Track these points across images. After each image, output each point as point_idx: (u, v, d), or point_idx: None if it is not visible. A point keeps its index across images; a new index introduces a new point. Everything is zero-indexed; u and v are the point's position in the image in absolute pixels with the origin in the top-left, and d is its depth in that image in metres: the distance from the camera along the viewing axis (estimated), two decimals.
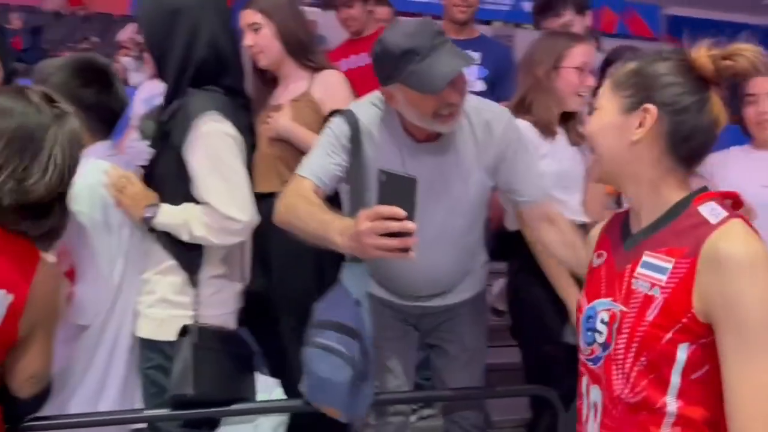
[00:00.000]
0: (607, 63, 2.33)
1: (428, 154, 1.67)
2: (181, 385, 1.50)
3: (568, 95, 2.07)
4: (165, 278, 1.62)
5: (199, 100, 1.57)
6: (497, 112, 1.74)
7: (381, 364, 1.85)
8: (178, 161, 1.57)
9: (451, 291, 1.86)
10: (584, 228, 2.16)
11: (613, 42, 3.33)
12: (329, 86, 2.10)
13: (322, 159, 1.64)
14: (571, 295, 1.97)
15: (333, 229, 1.43)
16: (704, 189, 1.09)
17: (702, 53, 1.05)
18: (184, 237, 1.56)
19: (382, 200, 1.31)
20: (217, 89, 1.61)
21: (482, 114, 1.70)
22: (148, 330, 1.62)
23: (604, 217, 2.16)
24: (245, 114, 1.70)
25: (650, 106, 1.05)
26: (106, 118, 1.73)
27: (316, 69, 2.12)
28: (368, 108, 1.69)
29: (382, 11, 3.48)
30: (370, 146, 1.66)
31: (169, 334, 1.57)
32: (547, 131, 2.06)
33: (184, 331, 1.56)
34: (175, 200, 1.59)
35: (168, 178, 1.62)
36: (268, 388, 1.65)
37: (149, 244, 1.64)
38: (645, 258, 1.06)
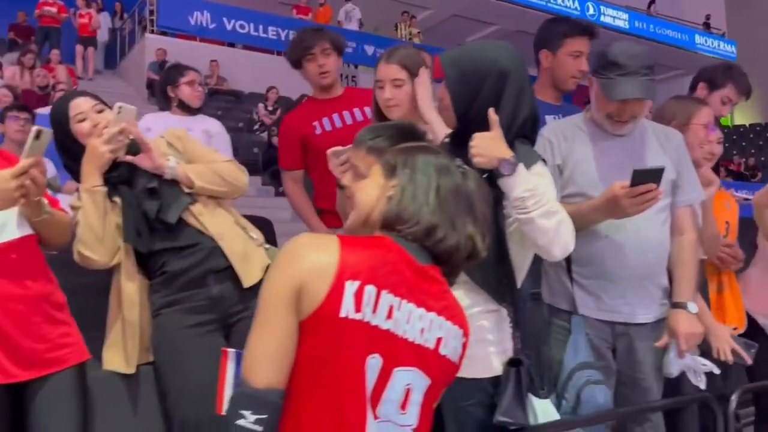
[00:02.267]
0: None
1: (616, 142, 2.07)
2: (514, 413, 1.60)
3: (695, 147, 2.37)
4: (482, 319, 1.67)
5: (527, 152, 1.68)
6: (674, 130, 2.21)
7: None
8: None
9: (641, 305, 2.05)
10: (701, 263, 2.38)
11: None
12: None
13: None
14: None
15: (593, 214, 1.93)
16: None
17: None
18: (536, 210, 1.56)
19: (636, 184, 1.78)
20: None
21: (662, 129, 2.18)
22: (474, 369, 1.62)
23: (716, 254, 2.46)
24: None
25: None
26: None
27: None
28: (559, 122, 2.19)
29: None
30: (565, 140, 2.09)
31: (493, 370, 1.66)
32: None
33: (513, 363, 1.65)
34: None
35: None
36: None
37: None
38: None
